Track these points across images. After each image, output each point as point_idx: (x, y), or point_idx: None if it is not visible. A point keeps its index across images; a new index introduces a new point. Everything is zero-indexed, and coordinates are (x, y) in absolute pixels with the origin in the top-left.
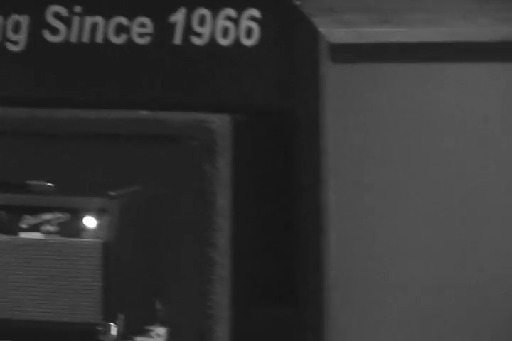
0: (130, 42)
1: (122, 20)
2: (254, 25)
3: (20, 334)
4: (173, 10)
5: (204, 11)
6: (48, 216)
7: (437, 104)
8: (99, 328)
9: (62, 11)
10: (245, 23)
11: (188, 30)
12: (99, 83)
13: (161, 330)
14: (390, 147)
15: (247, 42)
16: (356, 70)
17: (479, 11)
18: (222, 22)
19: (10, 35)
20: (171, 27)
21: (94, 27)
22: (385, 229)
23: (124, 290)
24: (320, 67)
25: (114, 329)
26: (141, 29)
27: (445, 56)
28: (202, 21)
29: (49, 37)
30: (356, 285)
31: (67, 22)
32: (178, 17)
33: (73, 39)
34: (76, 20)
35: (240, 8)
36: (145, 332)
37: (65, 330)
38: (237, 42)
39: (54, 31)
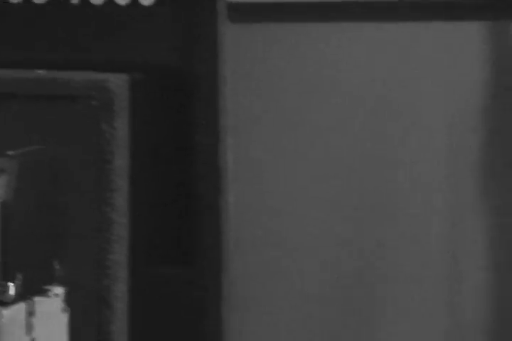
0: (27, 1)
1: None
2: None
3: None
4: None
5: None
6: None
7: (342, 66)
8: None
9: None
10: None
11: None
12: None
13: (59, 290)
14: (291, 108)
15: (145, 2)
16: (256, 30)
17: None
18: None
19: None
20: None
21: None
22: (285, 190)
23: (22, 250)
24: (218, 27)
25: (12, 289)
26: None
27: (349, 16)
28: None
29: None
30: (255, 245)
31: None
32: None
33: None
34: None
35: None
36: (43, 292)
37: None
38: (134, 2)
39: None
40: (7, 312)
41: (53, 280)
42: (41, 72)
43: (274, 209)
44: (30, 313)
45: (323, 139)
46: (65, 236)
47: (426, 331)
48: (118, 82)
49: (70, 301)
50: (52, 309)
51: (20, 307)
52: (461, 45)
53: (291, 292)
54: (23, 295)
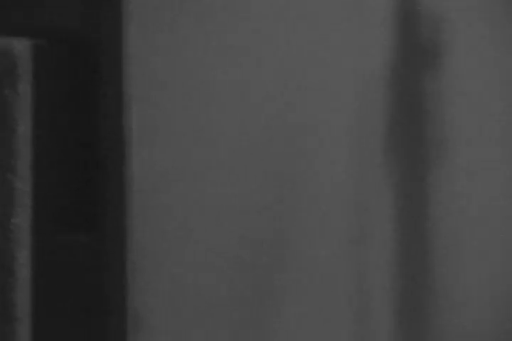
0: None
1: None
2: None
3: None
4: None
5: None
6: None
7: (251, 31)
8: None
9: None
10: None
11: None
12: None
13: None
14: (198, 74)
15: None
16: None
17: None
18: None
19: None
20: None
21: None
22: (191, 156)
23: None
24: None
25: None
26: None
27: None
28: None
29: None
30: (159, 208)
31: None
32: None
33: None
34: None
35: None
36: None
37: None
38: None
39: None
40: None
41: None
42: None
43: (179, 175)
44: None
45: (230, 106)
46: None
47: (332, 299)
48: (21, 47)
49: None
50: None
51: None
52: (368, 8)
53: (196, 256)
54: None
